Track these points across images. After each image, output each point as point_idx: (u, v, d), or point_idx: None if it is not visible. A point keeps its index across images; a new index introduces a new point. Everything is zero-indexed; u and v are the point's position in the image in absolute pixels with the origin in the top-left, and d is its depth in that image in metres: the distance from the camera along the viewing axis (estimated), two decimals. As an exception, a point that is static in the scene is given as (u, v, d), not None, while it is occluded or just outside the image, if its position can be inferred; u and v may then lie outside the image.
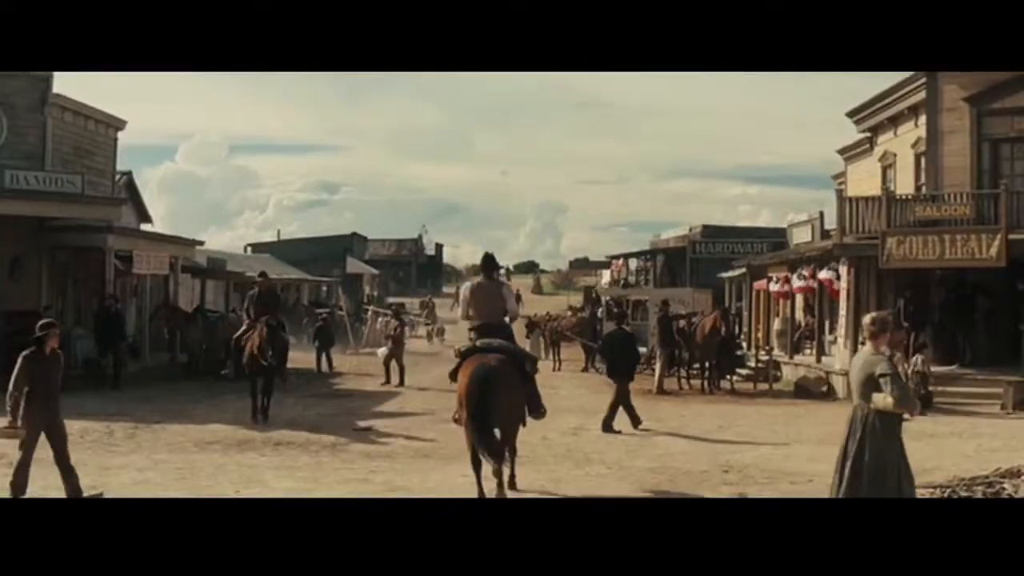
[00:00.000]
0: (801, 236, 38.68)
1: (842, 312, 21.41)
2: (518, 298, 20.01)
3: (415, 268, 68.02)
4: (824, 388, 21.43)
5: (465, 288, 11.53)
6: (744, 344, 31.17)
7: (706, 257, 41.92)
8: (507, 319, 11.16)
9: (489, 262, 11.41)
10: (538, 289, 59.24)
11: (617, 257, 55.60)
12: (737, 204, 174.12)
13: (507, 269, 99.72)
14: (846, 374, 20.71)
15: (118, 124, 26.57)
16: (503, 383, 10.03)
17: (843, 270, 21.25)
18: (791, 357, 24.95)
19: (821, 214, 36.84)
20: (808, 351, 25.37)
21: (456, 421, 10.84)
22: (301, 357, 31.27)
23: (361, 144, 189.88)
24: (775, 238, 41.21)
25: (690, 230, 49.91)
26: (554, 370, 28.24)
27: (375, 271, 57.16)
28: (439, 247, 75.86)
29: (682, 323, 23.01)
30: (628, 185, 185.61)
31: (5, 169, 21.52)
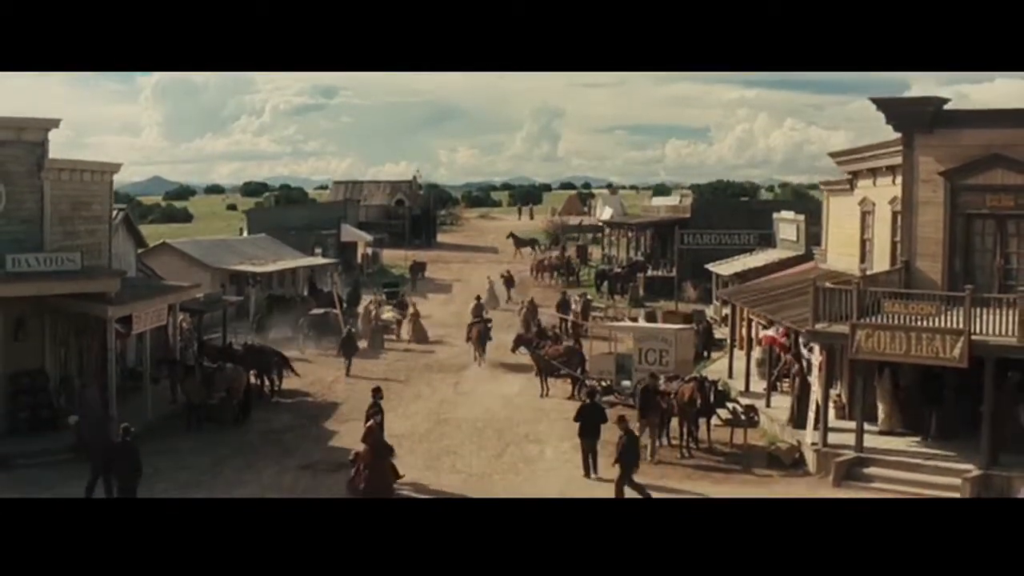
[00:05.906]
0: (787, 232, 39.51)
1: (814, 389, 22.36)
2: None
3: (408, 221, 68.63)
4: (796, 455, 22.52)
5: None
6: (727, 346, 32.25)
7: (693, 248, 42.86)
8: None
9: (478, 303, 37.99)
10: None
11: (610, 224, 56.16)
12: (735, 108, 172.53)
13: (519, 207, 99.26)
14: (818, 450, 21.90)
15: (112, 169, 27.04)
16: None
17: (816, 350, 22.17)
18: (768, 402, 26.00)
19: (806, 216, 37.60)
20: (785, 388, 26.38)
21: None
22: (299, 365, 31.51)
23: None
24: (762, 228, 41.96)
25: (680, 200, 50.57)
26: (542, 396, 29.18)
27: (369, 237, 57.88)
28: (432, 197, 76.30)
29: (662, 387, 23.93)
30: (626, 88, 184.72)
31: (6, 253, 22.20)
